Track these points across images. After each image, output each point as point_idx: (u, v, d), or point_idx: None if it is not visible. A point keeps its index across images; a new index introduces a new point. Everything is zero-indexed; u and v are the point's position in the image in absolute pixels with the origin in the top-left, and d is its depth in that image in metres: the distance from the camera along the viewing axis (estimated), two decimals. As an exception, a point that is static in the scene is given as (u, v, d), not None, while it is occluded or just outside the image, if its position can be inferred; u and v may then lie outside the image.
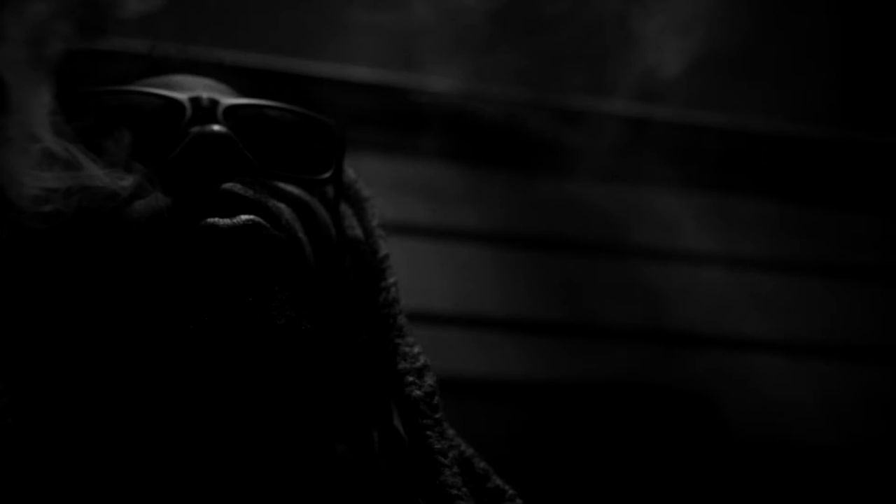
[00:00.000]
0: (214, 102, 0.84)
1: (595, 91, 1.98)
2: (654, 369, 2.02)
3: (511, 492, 0.81)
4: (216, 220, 0.77)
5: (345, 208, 0.92)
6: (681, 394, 2.04)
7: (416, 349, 0.86)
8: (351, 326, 0.88)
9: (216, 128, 0.81)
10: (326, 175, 0.87)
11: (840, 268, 2.04)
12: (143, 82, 0.90)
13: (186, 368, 0.75)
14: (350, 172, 0.95)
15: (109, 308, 0.77)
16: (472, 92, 1.90)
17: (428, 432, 0.82)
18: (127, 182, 0.80)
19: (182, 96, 0.86)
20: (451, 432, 0.84)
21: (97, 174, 0.80)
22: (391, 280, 0.91)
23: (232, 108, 0.85)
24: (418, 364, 0.86)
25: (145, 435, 0.76)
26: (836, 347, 2.12)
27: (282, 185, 0.83)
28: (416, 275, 1.76)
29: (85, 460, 0.76)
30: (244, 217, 0.78)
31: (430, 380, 0.86)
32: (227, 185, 0.79)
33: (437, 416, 0.83)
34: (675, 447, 2.01)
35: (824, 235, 2.09)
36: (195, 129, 0.81)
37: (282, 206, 0.81)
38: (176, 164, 0.80)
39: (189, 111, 0.84)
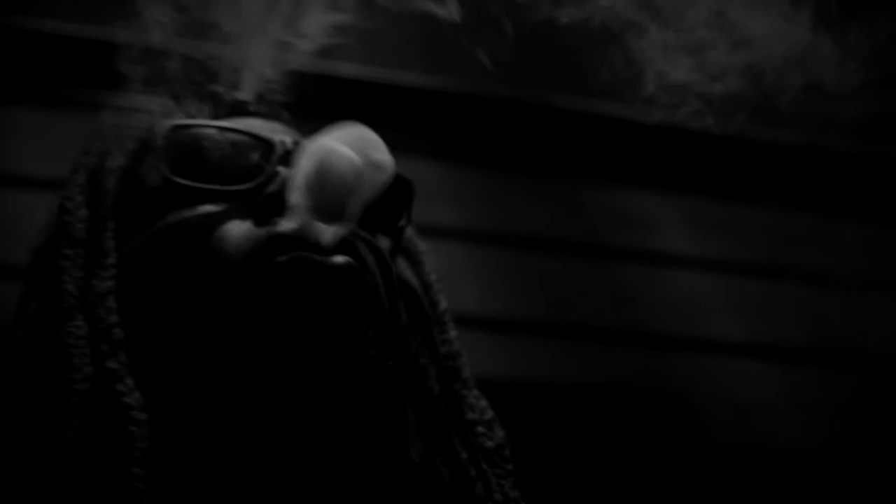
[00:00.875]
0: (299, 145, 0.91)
1: (576, 91, 1.98)
2: (632, 371, 2.02)
3: None
4: (323, 258, 0.84)
5: (399, 259, 0.98)
6: (657, 396, 2.04)
7: (483, 402, 0.95)
8: (415, 372, 0.96)
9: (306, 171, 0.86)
10: (401, 225, 0.95)
11: (817, 273, 2.05)
12: (230, 122, 0.97)
13: (288, 387, 0.84)
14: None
15: (220, 333, 0.85)
16: (449, 88, 1.90)
17: (502, 482, 0.90)
18: (224, 209, 0.89)
19: (273, 137, 0.93)
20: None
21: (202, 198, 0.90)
22: (454, 333, 0.99)
23: None
24: (488, 417, 0.94)
25: (254, 452, 0.84)
26: (812, 353, 2.13)
27: (359, 229, 0.89)
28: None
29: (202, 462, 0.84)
30: (341, 258, 0.85)
31: (500, 432, 0.94)
32: (325, 225, 0.85)
33: (509, 467, 0.91)
34: (651, 449, 2.01)
35: (803, 241, 2.10)
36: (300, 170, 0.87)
37: (366, 249, 0.88)
38: (272, 200, 0.87)
39: (279, 150, 0.91)
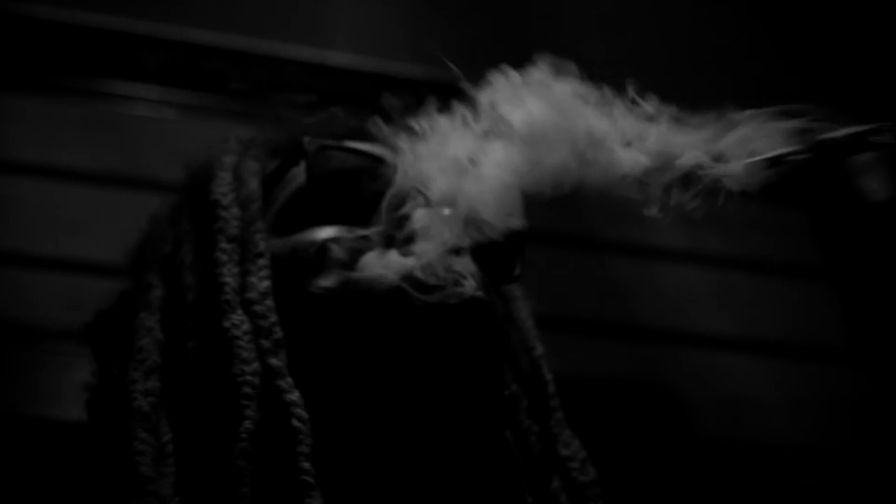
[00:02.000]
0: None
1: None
2: (620, 364, 2.02)
3: None
4: (467, 295, 0.89)
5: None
6: (646, 389, 2.04)
7: (577, 441, 1.03)
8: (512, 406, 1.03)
9: (450, 212, 0.93)
10: (517, 273, 1.01)
11: (809, 268, 2.05)
12: (371, 147, 1.03)
13: (424, 405, 0.91)
14: None
15: (368, 354, 0.91)
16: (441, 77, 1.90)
17: None
18: (366, 236, 0.94)
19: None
20: None
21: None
22: (550, 376, 1.06)
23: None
24: (582, 455, 1.02)
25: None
26: (802, 348, 2.13)
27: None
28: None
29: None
30: (481, 294, 0.91)
31: (592, 470, 1.02)
32: (465, 263, 0.91)
33: (601, 503, 0.99)
34: (639, 442, 2.02)
35: (794, 235, 2.10)
36: (446, 211, 0.92)
37: (491, 290, 0.95)
38: (414, 234, 0.92)
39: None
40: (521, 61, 1.98)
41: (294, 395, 0.88)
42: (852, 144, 0.86)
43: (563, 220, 1.93)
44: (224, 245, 0.97)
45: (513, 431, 1.03)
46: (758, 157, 0.88)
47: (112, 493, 0.87)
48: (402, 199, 0.96)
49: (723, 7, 2.20)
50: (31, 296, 1.59)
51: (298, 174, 1.02)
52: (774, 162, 0.86)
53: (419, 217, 0.94)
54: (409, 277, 0.90)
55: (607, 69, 0.98)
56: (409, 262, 0.92)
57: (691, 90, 2.07)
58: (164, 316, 0.98)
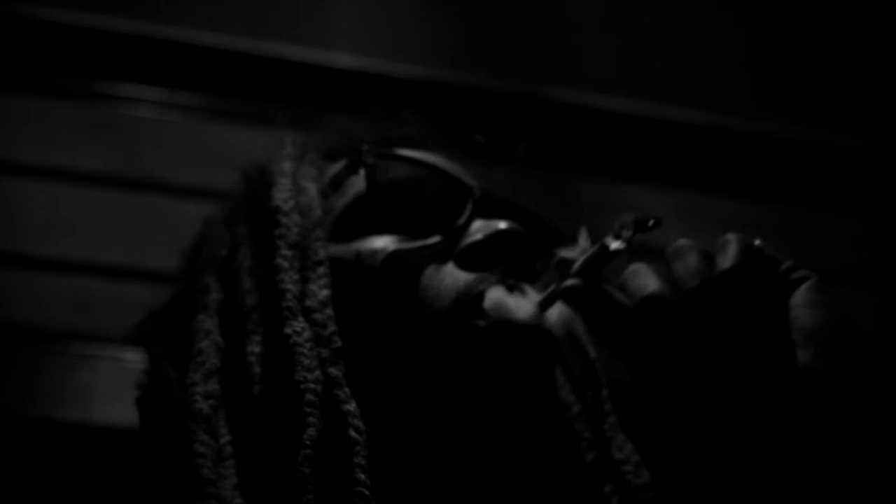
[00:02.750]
0: (503, 201, 0.99)
1: (570, 83, 1.98)
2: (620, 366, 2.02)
3: None
4: (526, 322, 0.90)
5: None
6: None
7: (630, 445, 1.03)
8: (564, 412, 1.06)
9: (515, 229, 0.96)
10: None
11: (813, 270, 2.05)
12: (430, 156, 1.05)
13: (479, 426, 0.92)
14: None
15: (426, 372, 0.92)
16: (440, 79, 1.90)
17: None
18: (424, 246, 0.96)
19: (471, 183, 1.01)
20: None
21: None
22: (603, 380, 1.08)
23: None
24: (635, 458, 1.03)
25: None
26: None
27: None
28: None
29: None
30: (541, 323, 0.91)
31: (646, 473, 1.02)
32: (524, 287, 0.93)
33: None
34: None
35: (798, 237, 2.10)
36: (501, 224, 0.95)
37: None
38: (473, 250, 0.95)
39: (476, 195, 0.98)
40: (523, 64, 1.98)
41: (351, 406, 0.89)
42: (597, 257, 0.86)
43: (567, 222, 1.93)
44: (285, 252, 0.97)
45: (565, 437, 1.05)
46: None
47: (171, 495, 0.88)
48: (459, 211, 0.98)
49: (723, 11, 2.20)
50: (34, 297, 1.59)
51: (357, 182, 1.03)
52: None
53: (479, 228, 0.96)
54: (474, 303, 0.92)
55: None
56: (476, 287, 0.93)
57: (690, 92, 2.07)
58: (223, 319, 0.98)
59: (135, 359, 1.52)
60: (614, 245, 0.84)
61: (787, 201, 2.07)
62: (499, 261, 0.95)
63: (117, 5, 1.80)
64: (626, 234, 0.84)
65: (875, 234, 2.08)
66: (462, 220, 0.98)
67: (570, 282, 0.83)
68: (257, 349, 0.93)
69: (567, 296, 0.84)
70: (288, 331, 0.92)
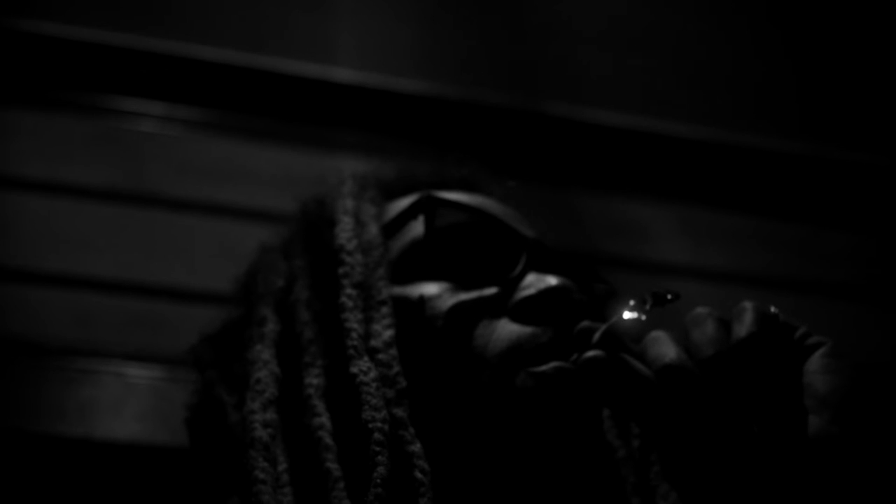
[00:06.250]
0: (557, 254, 0.99)
1: (569, 98, 1.99)
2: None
3: None
4: (577, 371, 0.89)
5: None
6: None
7: (674, 494, 1.02)
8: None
9: (566, 285, 0.96)
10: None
11: (808, 283, 2.05)
12: (484, 203, 1.06)
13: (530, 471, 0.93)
14: None
15: (480, 419, 0.93)
16: (442, 94, 1.91)
17: None
18: (480, 298, 0.96)
19: (526, 233, 1.02)
20: None
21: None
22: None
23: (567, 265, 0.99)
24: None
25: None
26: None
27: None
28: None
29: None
30: (593, 374, 0.90)
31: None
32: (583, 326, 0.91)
33: None
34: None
35: (795, 251, 2.10)
36: (553, 280, 0.96)
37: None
38: (527, 304, 0.95)
39: (531, 246, 0.98)
40: (524, 79, 1.98)
41: (416, 447, 0.89)
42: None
43: (565, 235, 1.94)
44: (349, 291, 0.98)
45: (611, 483, 1.05)
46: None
47: None
48: (514, 262, 0.99)
49: (723, 26, 2.21)
50: (36, 312, 1.59)
51: (415, 227, 1.03)
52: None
53: (531, 283, 0.95)
54: (531, 355, 0.92)
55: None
56: (531, 340, 0.94)
57: (691, 106, 2.07)
58: (279, 350, 0.98)
59: (136, 374, 1.52)
60: (634, 317, 0.88)
61: (787, 215, 2.07)
62: (551, 314, 0.95)
63: (118, 20, 1.80)
64: (646, 306, 0.89)
65: (875, 249, 2.08)
66: (516, 272, 0.98)
67: (591, 353, 0.85)
68: (315, 381, 0.94)
69: (587, 367, 0.85)
70: (354, 370, 0.93)
